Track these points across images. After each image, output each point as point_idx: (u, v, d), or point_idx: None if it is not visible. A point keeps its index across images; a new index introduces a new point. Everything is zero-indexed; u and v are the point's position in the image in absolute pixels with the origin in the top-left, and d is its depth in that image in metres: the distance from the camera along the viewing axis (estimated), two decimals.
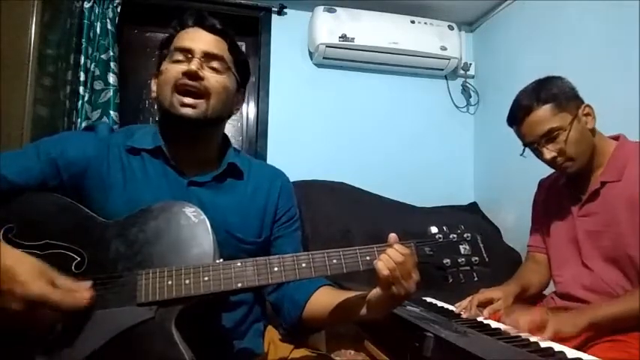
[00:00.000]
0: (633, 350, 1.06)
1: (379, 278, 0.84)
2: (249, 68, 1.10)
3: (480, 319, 1.21)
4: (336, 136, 2.60)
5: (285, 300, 1.04)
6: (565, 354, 0.90)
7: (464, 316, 1.25)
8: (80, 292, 0.75)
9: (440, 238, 0.93)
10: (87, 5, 2.24)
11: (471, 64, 2.77)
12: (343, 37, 2.44)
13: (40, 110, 1.74)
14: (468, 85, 2.78)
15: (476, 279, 0.94)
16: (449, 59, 2.62)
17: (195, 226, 0.85)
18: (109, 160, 0.97)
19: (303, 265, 0.84)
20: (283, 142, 2.53)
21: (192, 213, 0.86)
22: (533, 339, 1.00)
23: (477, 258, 0.93)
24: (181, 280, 0.80)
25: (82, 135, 1.03)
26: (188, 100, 0.95)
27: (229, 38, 1.03)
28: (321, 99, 2.61)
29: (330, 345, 1.56)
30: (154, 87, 1.04)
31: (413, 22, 2.57)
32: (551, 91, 1.27)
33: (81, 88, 2.20)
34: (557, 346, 0.95)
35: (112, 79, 2.24)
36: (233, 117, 1.09)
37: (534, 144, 1.30)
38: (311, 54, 2.60)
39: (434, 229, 0.93)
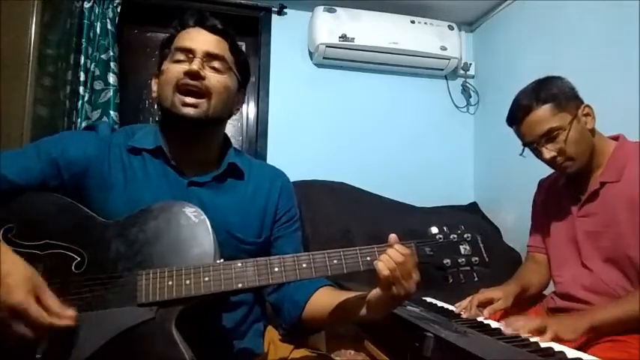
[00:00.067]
0: (633, 350, 1.07)
1: (379, 278, 0.84)
2: (249, 68, 1.10)
3: (480, 319, 1.21)
4: (336, 136, 2.60)
5: (285, 300, 1.04)
6: (565, 354, 0.90)
7: (464, 316, 1.25)
8: (60, 316, 0.73)
9: (440, 238, 0.93)
10: (87, 5, 2.24)
11: (471, 64, 2.77)
12: (343, 37, 2.44)
13: (40, 110, 1.73)
14: (468, 85, 2.78)
15: (476, 279, 0.94)
16: (449, 59, 2.62)
17: (195, 226, 0.85)
18: (109, 159, 0.97)
19: (304, 265, 0.84)
20: (283, 142, 2.53)
21: (192, 213, 0.86)
22: (533, 339, 1.00)
23: (477, 258, 0.93)
24: (182, 280, 0.80)
25: (83, 135, 1.03)
26: (189, 99, 0.95)
27: (230, 38, 1.03)
28: (321, 99, 2.61)
29: (330, 345, 1.56)
30: (154, 87, 1.04)
31: (413, 22, 2.57)
32: (550, 91, 1.27)
33: (81, 88, 2.20)
34: (557, 346, 0.95)
35: (112, 79, 2.24)
36: (233, 117, 1.09)
37: (534, 144, 1.30)
38: (311, 54, 2.60)
39: (434, 230, 0.93)
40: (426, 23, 2.58)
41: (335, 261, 0.86)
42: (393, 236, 0.88)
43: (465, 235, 0.94)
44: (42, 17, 1.69)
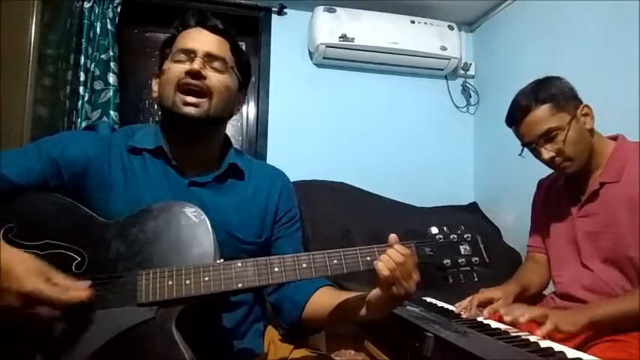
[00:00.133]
0: (633, 350, 1.06)
1: (379, 279, 0.84)
2: (250, 69, 1.10)
3: (480, 319, 1.21)
4: (336, 136, 2.60)
5: (285, 300, 1.04)
6: (565, 354, 0.90)
7: (464, 316, 1.25)
8: (77, 289, 0.75)
9: (440, 238, 0.93)
10: (87, 5, 2.24)
11: (471, 64, 2.77)
12: (343, 37, 2.44)
13: (40, 110, 1.73)
14: (468, 85, 2.78)
15: (476, 279, 0.94)
16: (449, 59, 2.62)
17: (195, 226, 0.85)
18: (110, 159, 0.97)
19: (304, 265, 0.84)
20: (283, 142, 2.53)
21: (192, 213, 0.86)
22: (533, 339, 1.00)
23: (477, 258, 0.94)
24: (182, 280, 0.80)
25: (83, 134, 1.03)
26: (191, 99, 0.95)
27: (231, 38, 1.03)
28: (321, 99, 2.61)
29: (330, 345, 1.56)
30: (155, 87, 1.04)
31: (413, 22, 2.56)
32: (549, 91, 1.27)
33: (81, 88, 2.19)
34: (557, 346, 0.95)
35: (112, 79, 2.24)
36: (233, 117, 1.09)
37: (533, 144, 1.30)
38: (311, 54, 2.60)
39: (434, 230, 0.93)
40: (426, 23, 2.58)
41: (335, 261, 0.86)
42: (393, 236, 0.88)
43: (465, 236, 0.94)
44: (42, 17, 1.69)
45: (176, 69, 0.96)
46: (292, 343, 1.08)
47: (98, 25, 2.25)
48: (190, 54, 0.97)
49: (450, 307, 1.34)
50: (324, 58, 2.53)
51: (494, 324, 1.15)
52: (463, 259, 0.93)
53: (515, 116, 1.32)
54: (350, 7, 2.50)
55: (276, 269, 0.84)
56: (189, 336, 0.79)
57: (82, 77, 2.20)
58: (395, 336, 1.18)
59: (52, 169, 0.92)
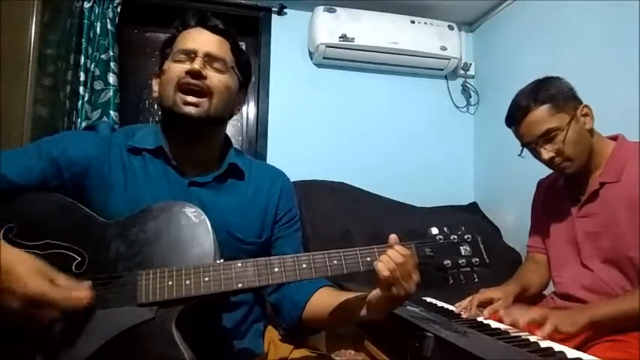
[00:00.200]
0: (633, 350, 1.07)
1: (379, 279, 0.84)
2: (251, 69, 1.10)
3: (480, 319, 1.21)
4: (336, 136, 2.60)
5: (285, 301, 1.04)
6: (565, 354, 0.90)
7: (464, 316, 1.25)
8: (80, 291, 0.74)
9: (440, 239, 0.93)
10: (87, 5, 2.24)
11: (471, 64, 2.77)
12: (343, 37, 2.44)
13: (40, 110, 1.73)
14: (468, 85, 2.78)
15: (476, 280, 0.94)
16: (449, 59, 2.62)
17: (195, 226, 0.85)
18: (110, 159, 0.97)
19: (304, 265, 0.84)
20: (283, 142, 2.53)
21: (192, 213, 0.86)
22: (533, 339, 1.00)
23: (477, 259, 0.93)
24: (182, 280, 0.80)
25: (83, 134, 1.03)
26: (191, 98, 0.95)
27: (232, 39, 1.03)
28: (321, 99, 2.61)
29: (330, 345, 1.56)
30: (155, 87, 1.04)
31: (413, 22, 2.57)
32: (549, 91, 1.27)
33: (81, 88, 2.19)
34: (557, 346, 0.95)
35: (112, 79, 2.24)
36: (233, 117, 1.09)
37: (532, 144, 1.30)
38: (311, 54, 2.60)
39: (434, 230, 0.93)
40: (426, 23, 2.58)
41: (335, 261, 0.86)
42: (393, 237, 0.88)
43: (466, 236, 0.94)
44: (42, 17, 1.69)
45: (176, 69, 0.96)
46: (292, 343, 1.08)
47: (98, 25, 2.25)
48: (191, 54, 0.97)
49: (450, 307, 1.34)
50: (324, 58, 2.53)
51: (494, 324, 1.15)
52: (463, 260, 0.92)
53: (515, 117, 1.32)
54: (350, 7, 2.50)
55: (276, 269, 0.84)
56: (189, 336, 0.79)
57: (82, 77, 2.20)
58: (395, 336, 1.18)
59: (52, 168, 0.92)
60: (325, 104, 2.61)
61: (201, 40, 0.99)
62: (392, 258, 0.84)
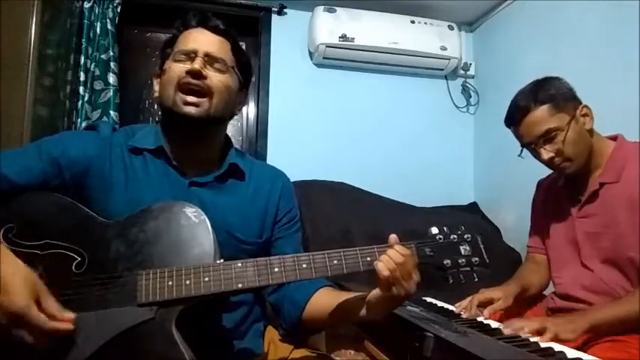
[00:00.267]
0: (633, 350, 1.07)
1: (379, 279, 0.84)
2: (251, 69, 1.10)
3: (480, 319, 1.21)
4: (336, 136, 2.60)
5: (285, 301, 1.04)
6: (565, 354, 0.90)
7: (464, 316, 1.25)
8: (59, 323, 0.73)
9: (440, 238, 0.93)
10: (87, 5, 2.24)
11: (471, 64, 2.77)
12: (343, 37, 2.44)
13: (40, 110, 1.74)
14: (468, 85, 2.78)
15: (476, 280, 0.94)
16: (449, 59, 2.62)
17: (195, 226, 0.85)
18: (111, 159, 0.97)
19: (304, 265, 0.84)
20: (283, 142, 2.53)
21: (192, 213, 0.86)
22: (533, 339, 1.00)
23: (477, 259, 0.93)
24: (182, 280, 0.80)
25: (84, 134, 1.03)
26: (191, 98, 0.95)
27: (232, 39, 1.03)
28: (321, 99, 2.61)
29: (330, 345, 1.56)
30: (156, 87, 1.04)
31: (413, 22, 2.57)
32: (548, 91, 1.27)
33: (81, 88, 2.20)
34: (557, 346, 0.95)
35: (112, 79, 2.24)
36: (234, 117, 1.09)
37: (532, 144, 1.30)
38: (311, 54, 2.60)
39: (434, 230, 0.93)
40: (426, 23, 2.58)
41: (335, 261, 0.86)
42: (393, 237, 0.88)
43: (465, 236, 0.94)
44: (42, 17, 1.69)
45: (177, 69, 0.96)
46: (292, 343, 1.08)
47: (98, 25, 2.25)
48: (191, 54, 0.97)
49: (450, 307, 1.34)
50: (324, 58, 2.53)
51: (494, 324, 1.15)
52: (463, 260, 0.92)
53: (515, 117, 1.32)
54: (350, 7, 2.50)
55: (276, 269, 0.84)
56: (189, 336, 0.79)
57: (82, 77, 2.20)
58: (395, 336, 1.18)
59: (52, 168, 0.92)
60: (325, 104, 2.61)
61: (202, 40, 0.99)
62: (392, 258, 0.84)
